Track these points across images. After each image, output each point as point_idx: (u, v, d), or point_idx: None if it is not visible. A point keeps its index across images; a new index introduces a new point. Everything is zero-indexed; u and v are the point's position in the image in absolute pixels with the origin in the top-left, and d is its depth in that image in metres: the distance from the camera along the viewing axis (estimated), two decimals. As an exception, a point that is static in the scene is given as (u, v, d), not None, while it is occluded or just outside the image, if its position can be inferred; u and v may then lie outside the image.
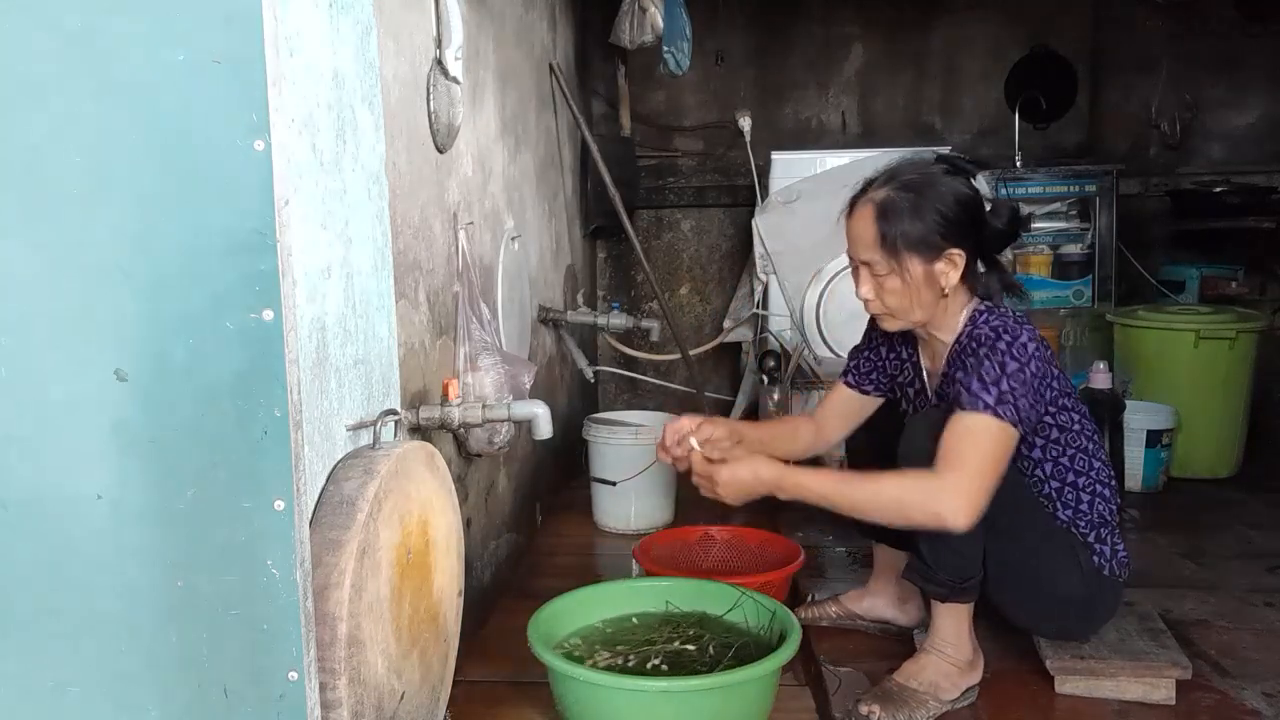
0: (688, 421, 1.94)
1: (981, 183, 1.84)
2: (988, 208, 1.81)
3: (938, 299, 1.78)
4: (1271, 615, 2.20)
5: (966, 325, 1.80)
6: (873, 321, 1.96)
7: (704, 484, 1.82)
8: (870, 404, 2.07)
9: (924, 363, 1.95)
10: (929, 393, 1.93)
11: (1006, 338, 1.70)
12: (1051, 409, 1.80)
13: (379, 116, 1.44)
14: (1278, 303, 3.69)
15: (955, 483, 1.63)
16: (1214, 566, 2.48)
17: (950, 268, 1.76)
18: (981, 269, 1.83)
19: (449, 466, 1.50)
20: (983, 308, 1.80)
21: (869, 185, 1.83)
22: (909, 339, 1.95)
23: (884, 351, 2.03)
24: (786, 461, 1.83)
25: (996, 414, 1.65)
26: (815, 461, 2.16)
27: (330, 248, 1.26)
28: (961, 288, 1.79)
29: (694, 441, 1.75)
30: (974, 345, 1.73)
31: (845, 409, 2.09)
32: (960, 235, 1.75)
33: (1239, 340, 3.18)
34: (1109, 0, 4.09)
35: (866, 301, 1.84)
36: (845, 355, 2.14)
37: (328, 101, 1.25)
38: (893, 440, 1.86)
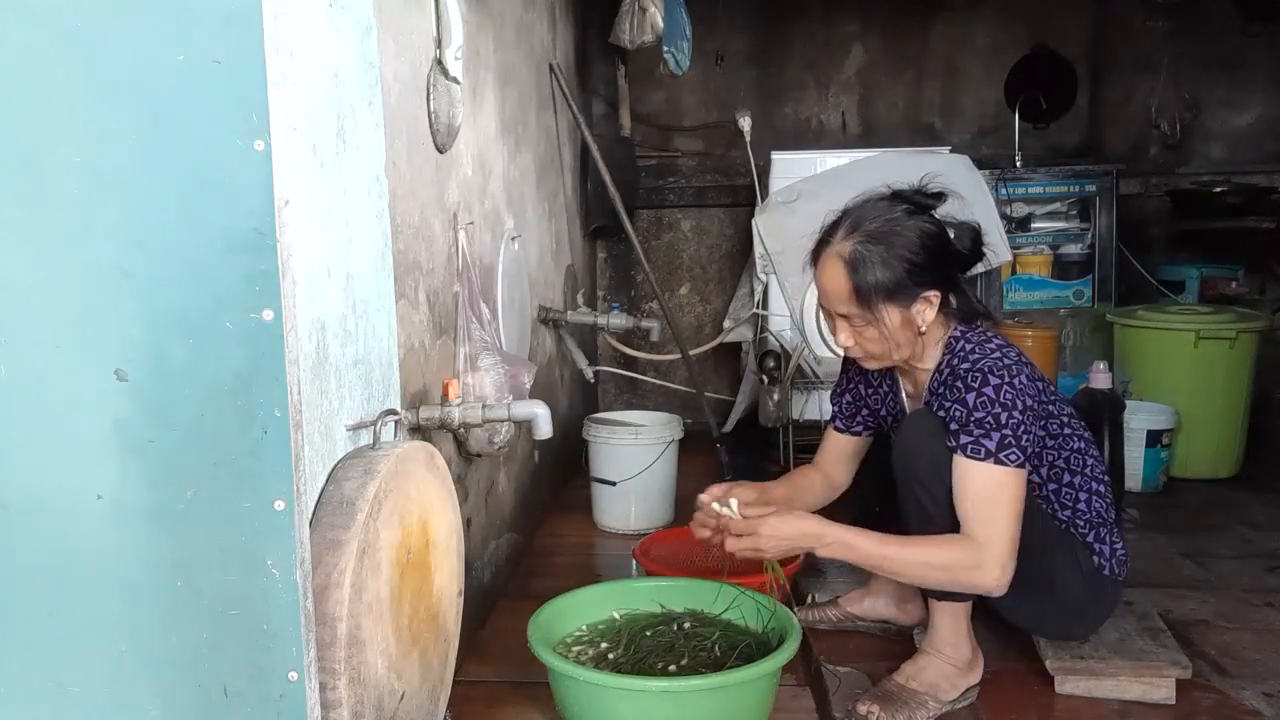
0: (717, 489, 1.91)
1: (948, 205, 1.81)
2: (951, 234, 1.80)
3: (916, 337, 1.78)
4: (1271, 615, 2.20)
5: (945, 353, 1.80)
6: (847, 360, 1.96)
7: (743, 541, 1.75)
8: (865, 443, 2.10)
9: (905, 388, 1.95)
10: None
11: (995, 379, 1.69)
12: (1043, 418, 1.80)
13: (379, 116, 1.44)
14: (1278, 303, 3.69)
15: (995, 556, 1.66)
16: (1214, 566, 2.48)
17: (926, 307, 1.76)
18: (953, 298, 1.82)
19: (449, 466, 1.50)
20: (957, 332, 1.81)
21: (830, 235, 1.80)
22: (885, 370, 1.94)
23: (863, 389, 2.04)
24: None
25: (1000, 461, 1.66)
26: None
27: (330, 248, 1.26)
28: (937, 319, 1.79)
29: (733, 504, 1.73)
30: (959, 373, 1.72)
31: (843, 453, 2.11)
32: (932, 275, 1.75)
33: (1239, 340, 3.18)
34: (1109, 0, 4.09)
35: (847, 349, 1.84)
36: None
37: (328, 101, 1.25)
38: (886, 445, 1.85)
